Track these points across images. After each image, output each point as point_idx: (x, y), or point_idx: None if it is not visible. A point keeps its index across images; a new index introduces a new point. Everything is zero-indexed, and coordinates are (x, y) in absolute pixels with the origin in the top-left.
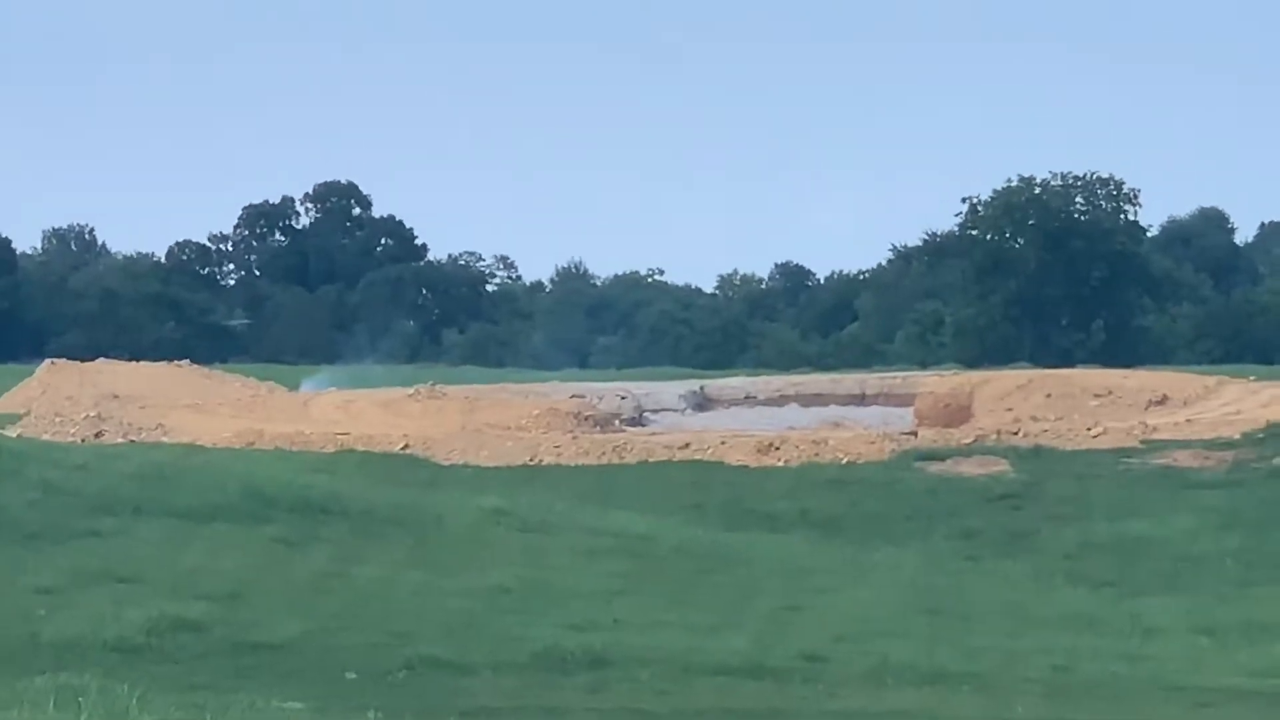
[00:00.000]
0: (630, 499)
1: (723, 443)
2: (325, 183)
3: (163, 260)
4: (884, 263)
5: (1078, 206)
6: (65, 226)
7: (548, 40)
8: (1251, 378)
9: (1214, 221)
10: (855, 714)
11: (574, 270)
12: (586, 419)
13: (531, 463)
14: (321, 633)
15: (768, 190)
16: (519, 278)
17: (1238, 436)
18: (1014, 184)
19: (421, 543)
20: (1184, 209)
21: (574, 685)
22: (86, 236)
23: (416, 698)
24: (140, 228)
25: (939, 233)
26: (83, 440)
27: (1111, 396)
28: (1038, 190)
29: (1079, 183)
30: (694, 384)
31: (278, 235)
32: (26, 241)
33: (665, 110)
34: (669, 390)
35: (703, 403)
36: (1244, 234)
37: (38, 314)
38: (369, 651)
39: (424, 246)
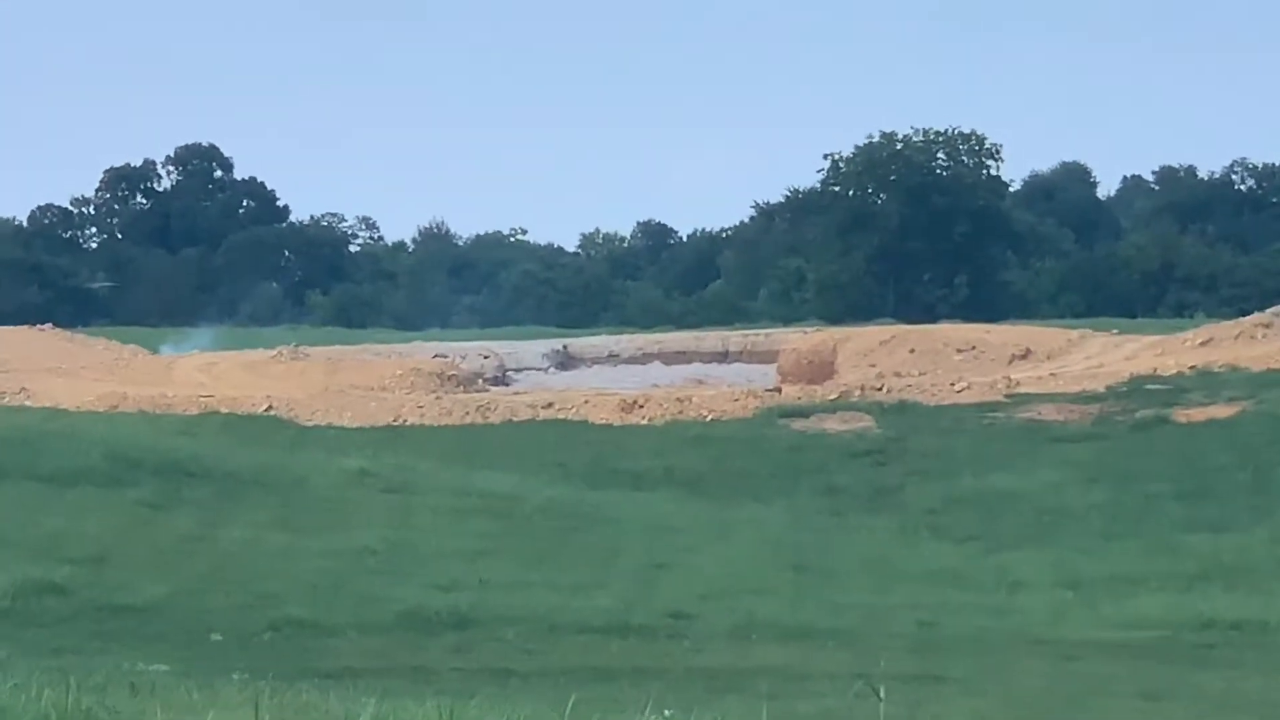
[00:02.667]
0: (494, 459)
1: (586, 401)
2: (186, 145)
3: (24, 224)
4: (746, 220)
5: (940, 162)
6: None
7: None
8: (1114, 331)
9: (1076, 175)
10: (721, 670)
11: (436, 230)
12: (450, 379)
13: (395, 423)
14: (186, 595)
15: (629, 148)
16: (381, 238)
17: (1102, 389)
18: (876, 140)
19: (285, 504)
20: (1046, 163)
21: (439, 645)
22: None
23: (282, 659)
24: (0, 192)
25: (801, 189)
26: None
27: (975, 351)
28: (900, 146)
29: (941, 138)
30: (557, 343)
31: (139, 198)
32: None
33: (525, 68)
34: (532, 349)
35: (566, 361)
36: (1106, 188)
37: None
38: (234, 613)
39: (286, 208)
